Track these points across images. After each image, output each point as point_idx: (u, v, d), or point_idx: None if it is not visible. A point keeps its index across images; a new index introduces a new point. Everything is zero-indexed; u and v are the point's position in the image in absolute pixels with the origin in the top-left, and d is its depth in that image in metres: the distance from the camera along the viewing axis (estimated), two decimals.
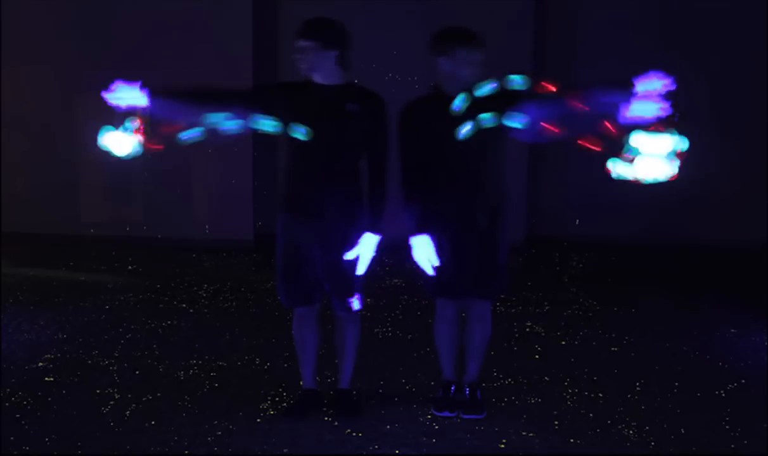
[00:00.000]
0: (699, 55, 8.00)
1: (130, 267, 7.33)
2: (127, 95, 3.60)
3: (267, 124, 3.73)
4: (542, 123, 3.66)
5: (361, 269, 3.80)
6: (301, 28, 3.75)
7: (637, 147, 3.38)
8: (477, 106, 3.73)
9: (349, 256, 3.77)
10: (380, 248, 3.82)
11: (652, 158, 3.37)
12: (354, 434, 3.84)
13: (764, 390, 4.42)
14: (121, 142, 3.62)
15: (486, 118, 3.70)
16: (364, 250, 3.78)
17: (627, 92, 3.42)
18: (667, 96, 3.39)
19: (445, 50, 3.76)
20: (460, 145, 3.75)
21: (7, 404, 4.13)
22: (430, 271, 3.83)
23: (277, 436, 3.81)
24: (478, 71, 3.77)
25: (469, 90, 3.74)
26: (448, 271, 3.86)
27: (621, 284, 6.86)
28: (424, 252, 3.81)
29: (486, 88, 3.73)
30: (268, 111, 3.74)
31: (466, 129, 3.71)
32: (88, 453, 3.65)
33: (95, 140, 3.62)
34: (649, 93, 3.39)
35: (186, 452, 3.66)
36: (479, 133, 3.73)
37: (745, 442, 3.82)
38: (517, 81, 3.69)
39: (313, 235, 3.80)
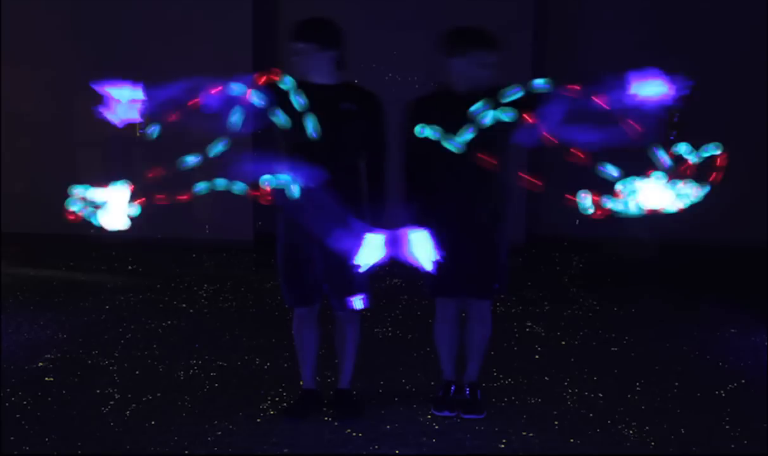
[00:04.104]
0: (699, 55, 7.99)
1: (130, 267, 7.33)
2: (127, 95, 3.60)
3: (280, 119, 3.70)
4: (543, 132, 3.62)
5: (362, 269, 3.79)
6: (296, 29, 3.73)
7: (638, 202, 3.44)
8: (496, 109, 3.68)
9: (348, 256, 3.76)
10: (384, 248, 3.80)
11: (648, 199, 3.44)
12: (354, 434, 3.84)
13: (764, 390, 4.42)
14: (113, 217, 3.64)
15: (491, 116, 3.66)
16: (365, 249, 3.77)
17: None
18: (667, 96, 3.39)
19: (459, 51, 3.72)
20: (465, 143, 3.73)
21: (7, 404, 4.13)
22: (428, 267, 3.79)
23: (277, 436, 3.81)
24: (491, 73, 3.73)
25: (492, 95, 3.68)
26: (448, 270, 3.85)
27: (621, 284, 6.86)
28: (422, 247, 3.79)
29: (512, 95, 3.66)
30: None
31: (471, 128, 3.68)
32: (88, 453, 3.65)
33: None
34: (649, 93, 3.39)
35: (186, 452, 3.65)
36: (484, 132, 3.71)
37: (745, 442, 3.82)
38: (541, 85, 3.61)
39: (313, 236, 3.80)
